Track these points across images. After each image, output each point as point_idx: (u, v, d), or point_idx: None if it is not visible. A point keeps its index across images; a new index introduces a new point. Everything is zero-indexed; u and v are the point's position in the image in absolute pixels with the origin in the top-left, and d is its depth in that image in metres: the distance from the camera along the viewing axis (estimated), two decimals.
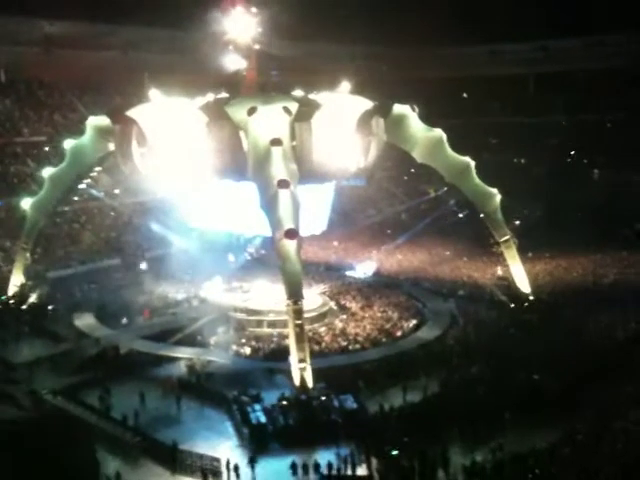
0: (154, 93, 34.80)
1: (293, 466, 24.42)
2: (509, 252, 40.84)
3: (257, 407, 28.50)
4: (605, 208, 59.31)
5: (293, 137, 33.53)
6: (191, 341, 36.35)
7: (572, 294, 42.35)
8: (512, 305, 40.39)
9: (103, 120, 35.68)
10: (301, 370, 28.06)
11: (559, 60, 75.14)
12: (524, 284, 40.94)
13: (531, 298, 40.54)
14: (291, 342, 28.75)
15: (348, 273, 50.43)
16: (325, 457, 24.88)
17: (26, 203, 41.69)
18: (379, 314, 41.02)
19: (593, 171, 72.40)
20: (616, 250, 51.32)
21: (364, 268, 50.67)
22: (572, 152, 73.06)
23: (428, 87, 72.87)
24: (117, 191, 53.97)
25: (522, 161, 76.21)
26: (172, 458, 25.21)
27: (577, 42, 74.52)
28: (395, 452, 24.36)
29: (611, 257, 50.36)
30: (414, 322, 39.71)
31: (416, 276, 49.73)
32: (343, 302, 43.59)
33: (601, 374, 29.91)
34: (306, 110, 34.22)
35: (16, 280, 41.26)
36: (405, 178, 71.66)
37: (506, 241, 40.69)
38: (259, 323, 38.79)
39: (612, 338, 34.81)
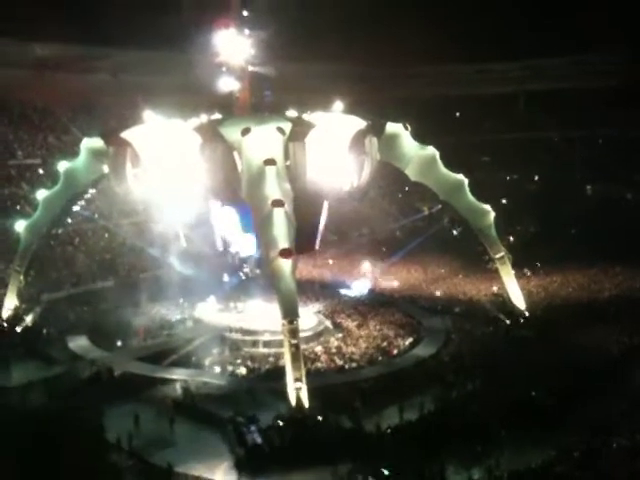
0: (148, 114, 34.94)
1: None
2: (504, 268, 40.88)
3: (253, 428, 28.29)
4: (598, 223, 59.55)
5: (287, 157, 33.69)
6: (186, 362, 36.14)
7: (567, 310, 42.35)
8: (507, 321, 40.40)
9: (97, 142, 35.71)
10: (297, 390, 27.93)
11: (547, 78, 76.01)
12: (519, 300, 40.96)
13: (526, 314, 40.55)
14: (287, 362, 28.63)
15: (343, 291, 50.32)
16: (321, 477, 24.61)
17: (20, 225, 41.57)
18: (375, 332, 40.88)
19: (586, 187, 72.85)
20: (610, 265, 51.40)
21: (359, 286, 50.60)
22: (564, 168, 73.48)
23: (420, 106, 73.35)
24: (111, 213, 53.96)
25: (515, 178, 76.59)
26: None
27: (563, 61, 75.63)
28: (387, 472, 24.14)
29: (605, 272, 50.43)
30: (410, 340, 39.67)
31: (411, 294, 49.72)
32: (339, 321, 43.44)
33: (597, 390, 29.83)
34: (300, 130, 34.41)
35: (10, 303, 41.00)
36: (399, 196, 71.93)
37: (501, 257, 40.73)
38: (254, 343, 38.64)
39: (608, 353, 34.78)
